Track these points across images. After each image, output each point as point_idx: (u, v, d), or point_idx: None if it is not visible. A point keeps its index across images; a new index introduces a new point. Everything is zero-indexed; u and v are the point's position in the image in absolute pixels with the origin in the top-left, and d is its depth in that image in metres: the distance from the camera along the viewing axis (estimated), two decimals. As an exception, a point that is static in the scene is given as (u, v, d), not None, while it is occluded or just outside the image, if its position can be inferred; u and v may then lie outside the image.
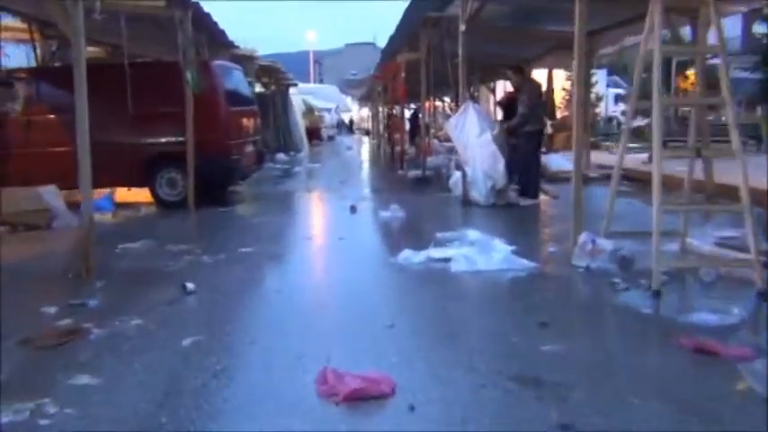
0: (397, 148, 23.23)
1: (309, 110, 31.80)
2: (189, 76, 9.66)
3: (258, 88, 21.77)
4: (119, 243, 7.32)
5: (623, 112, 35.09)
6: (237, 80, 11.40)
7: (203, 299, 5.19)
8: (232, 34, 16.24)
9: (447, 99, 40.54)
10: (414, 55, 14.25)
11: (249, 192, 12.43)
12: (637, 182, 13.07)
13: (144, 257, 6.73)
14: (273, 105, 22.50)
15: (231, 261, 6.49)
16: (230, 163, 10.37)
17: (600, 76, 37.22)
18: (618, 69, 43.69)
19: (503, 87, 32.61)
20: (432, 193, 11.76)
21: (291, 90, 25.08)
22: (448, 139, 27.96)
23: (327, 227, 8.87)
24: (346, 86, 51.74)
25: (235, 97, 10.97)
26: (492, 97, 23.35)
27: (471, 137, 9.86)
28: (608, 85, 45.04)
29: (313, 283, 5.86)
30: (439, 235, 7.37)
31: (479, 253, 6.19)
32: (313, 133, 31.70)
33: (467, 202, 10.06)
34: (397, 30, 14.70)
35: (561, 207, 9.86)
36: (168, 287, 5.48)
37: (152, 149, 10.29)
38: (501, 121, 10.85)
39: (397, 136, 24.55)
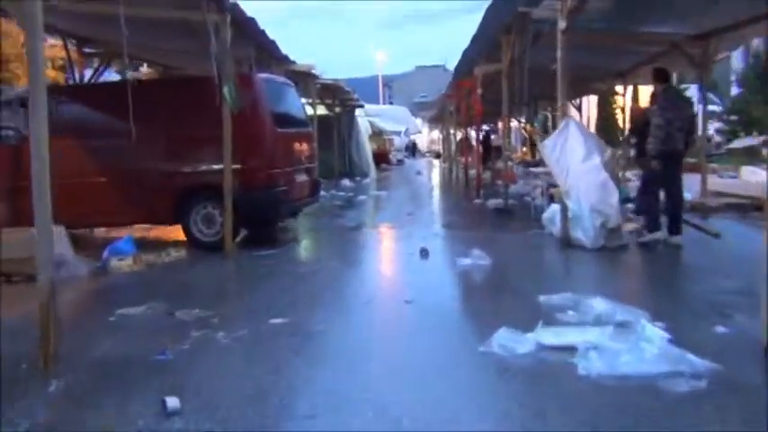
0: (472, 173, 21.19)
1: (377, 132, 30.04)
2: (226, 91, 7.88)
3: (321, 110, 20.11)
4: (119, 306, 5.51)
5: (717, 131, 31.94)
6: (288, 97, 9.59)
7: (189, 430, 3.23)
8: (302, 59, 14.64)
9: (521, 119, 38.29)
10: (493, 66, 12.19)
11: (303, 227, 10.57)
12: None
13: (138, 334, 4.86)
14: (338, 128, 20.78)
15: (253, 342, 4.55)
16: (276, 195, 8.51)
17: (692, 92, 34.10)
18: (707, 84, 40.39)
19: (588, 104, 30.20)
20: (519, 230, 9.59)
21: (357, 112, 23.35)
22: (532, 164, 25.80)
23: (391, 281, 6.82)
24: (416, 109, 49.96)
25: (284, 117, 9.16)
26: (578, 115, 20.95)
27: (574, 161, 7.69)
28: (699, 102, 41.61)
29: (366, 397, 3.73)
30: (543, 299, 5.28)
31: (617, 340, 4.04)
32: (381, 157, 29.93)
33: (567, 243, 7.88)
34: (473, 40, 12.66)
35: (712, 249, 7.59)
36: (145, 397, 3.57)
37: (185, 180, 8.55)
38: (628, 140, 8.50)
39: (471, 159, 22.47)
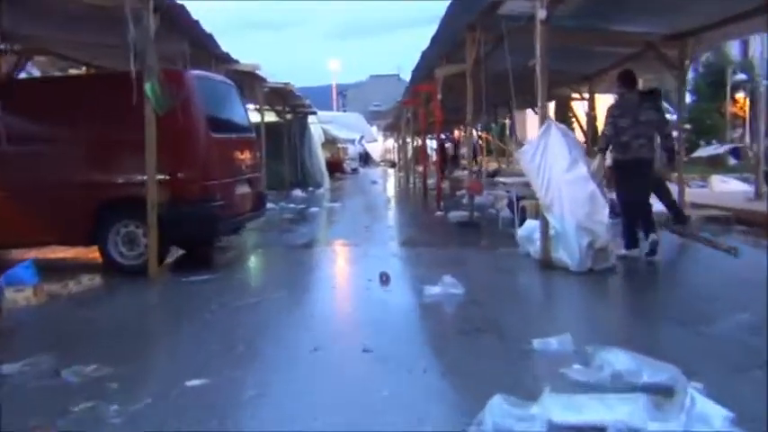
0: (430, 182, 20.10)
1: (330, 140, 28.82)
2: (148, 89, 6.58)
3: (270, 116, 18.81)
4: (-7, 360, 4.16)
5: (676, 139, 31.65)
6: (227, 99, 8.31)
7: None
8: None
9: (477, 127, 37.49)
10: (456, 67, 11.12)
11: (246, 245, 9.26)
12: (751, 226, 9.75)
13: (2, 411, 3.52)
14: (289, 136, 19.49)
15: (156, 420, 3.27)
16: (211, 210, 7.21)
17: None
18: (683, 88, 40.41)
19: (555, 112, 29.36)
20: (489, 249, 8.48)
21: (310, 119, 22.07)
22: (491, 174, 24.90)
23: (346, 319, 5.53)
24: (370, 117, 48.89)
25: (222, 121, 7.89)
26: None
27: (557, 171, 6.61)
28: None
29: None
30: (538, 344, 4.19)
31: (660, 418, 2.91)
32: (335, 166, 28.71)
33: (548, 265, 6.80)
34: (433, 40, 11.58)
35: (721, 270, 6.57)
36: None
37: (102, 192, 7.20)
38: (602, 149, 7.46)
39: (429, 169, 21.42)
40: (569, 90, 15.89)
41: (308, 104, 20.34)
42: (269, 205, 14.63)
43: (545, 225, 6.81)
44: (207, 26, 9.78)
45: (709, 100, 30.19)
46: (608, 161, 7.92)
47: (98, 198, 7.18)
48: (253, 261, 8.20)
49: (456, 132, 35.28)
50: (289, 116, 20.19)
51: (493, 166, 30.92)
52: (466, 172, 29.24)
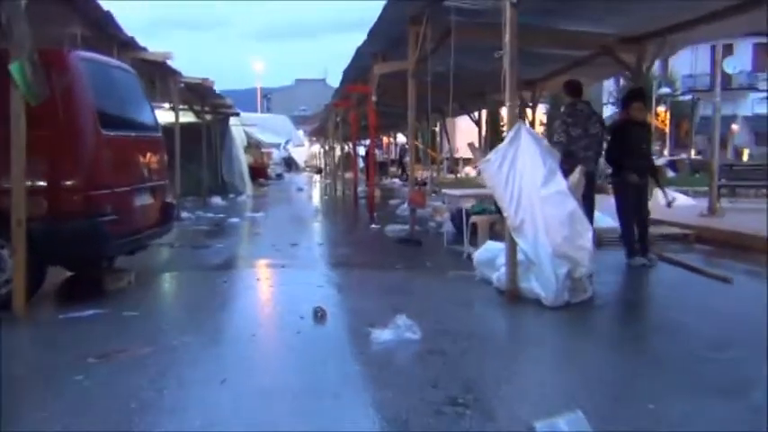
0: (362, 190, 18.81)
1: (254, 144, 27.14)
2: (15, 71, 5.02)
3: (188, 117, 17.07)
4: None
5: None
6: (124, 89, 6.74)
7: None
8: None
9: (401, 136, 36.50)
10: (397, 65, 9.88)
11: (151, 265, 7.67)
12: (712, 245, 8.98)
13: None
14: (208, 138, 17.79)
15: None
16: (98, 227, 5.65)
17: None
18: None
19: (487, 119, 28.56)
20: (439, 272, 7.25)
21: (232, 120, 20.39)
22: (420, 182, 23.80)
23: (268, 387, 4.11)
24: (296, 122, 47.24)
25: (117, 116, 6.34)
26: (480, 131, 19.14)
27: (529, 185, 5.43)
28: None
29: None
30: (543, 429, 2.92)
31: None
32: (258, 172, 27.05)
33: (515, 296, 5.62)
34: (370, 34, 10.29)
35: (716, 304, 5.49)
36: None
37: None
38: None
39: (364, 176, 20.15)
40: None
41: (230, 104, 18.68)
42: (183, 214, 13.04)
43: (512, 249, 5.62)
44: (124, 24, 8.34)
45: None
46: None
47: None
48: (154, 289, 6.63)
49: (384, 139, 34.22)
50: (208, 117, 18.47)
51: (423, 174, 30.03)
52: (395, 180, 28.36)
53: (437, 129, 27.48)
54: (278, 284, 6.83)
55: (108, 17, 7.60)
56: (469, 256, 7.94)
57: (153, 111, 7.26)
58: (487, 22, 9.04)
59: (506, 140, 5.57)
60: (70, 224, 5.58)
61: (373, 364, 4.15)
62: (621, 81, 31.76)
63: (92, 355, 4.27)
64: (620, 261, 7.49)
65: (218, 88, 16.99)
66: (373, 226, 11.55)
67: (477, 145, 11.03)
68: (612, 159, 7.51)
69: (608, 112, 35.14)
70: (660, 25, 8.79)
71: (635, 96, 7.58)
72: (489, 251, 6.34)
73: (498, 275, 5.96)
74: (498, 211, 9.15)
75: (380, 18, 9.40)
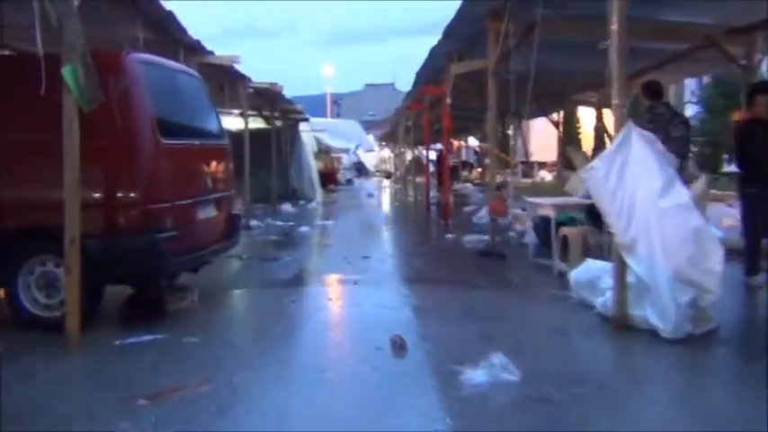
0: (434, 196, 18.08)
1: (324, 150, 26.81)
2: (68, 74, 4.57)
3: (257, 123, 16.77)
4: None
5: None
6: (188, 95, 6.27)
7: None
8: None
9: (473, 139, 35.45)
10: (476, 64, 9.13)
11: (216, 280, 7.17)
12: None
13: None
14: (278, 144, 17.44)
15: None
16: (157, 244, 5.16)
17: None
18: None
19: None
20: (529, 292, 6.50)
21: (302, 126, 20.04)
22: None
23: None
24: (365, 127, 46.96)
25: (179, 124, 5.87)
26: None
27: (644, 196, 4.60)
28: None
29: None
30: None
31: None
32: (328, 177, 26.68)
33: (624, 325, 4.80)
34: (445, 33, 9.56)
35: None
36: None
37: (7, 217, 5.16)
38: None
39: (435, 182, 19.45)
40: (583, 96, 13.81)
41: (300, 110, 18.32)
42: (252, 223, 12.65)
43: (621, 271, 4.80)
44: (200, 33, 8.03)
45: (720, 112, 28.39)
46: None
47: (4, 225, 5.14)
48: (217, 310, 6.08)
49: (455, 142, 33.33)
50: (278, 123, 18.14)
51: (496, 179, 29.00)
52: (467, 185, 27.46)
53: (510, 131, 26.40)
54: (350, 305, 6.19)
55: (171, 18, 7.15)
56: (561, 274, 7.16)
57: (218, 117, 6.77)
58: (576, 14, 8.26)
59: (613, 145, 4.76)
60: (127, 241, 5.12)
61: (467, 414, 3.44)
62: (704, 79, 29.91)
63: (143, 393, 3.73)
64: (734, 279, 6.52)
65: (287, 94, 16.69)
66: (449, 235, 10.83)
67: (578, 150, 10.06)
68: (737, 165, 6.54)
69: (690, 111, 33.23)
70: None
71: (760, 90, 6.55)
72: (589, 271, 5.53)
73: (603, 301, 5.15)
74: (591, 221, 8.35)
75: (457, 14, 8.69)
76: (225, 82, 11.33)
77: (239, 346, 4.84)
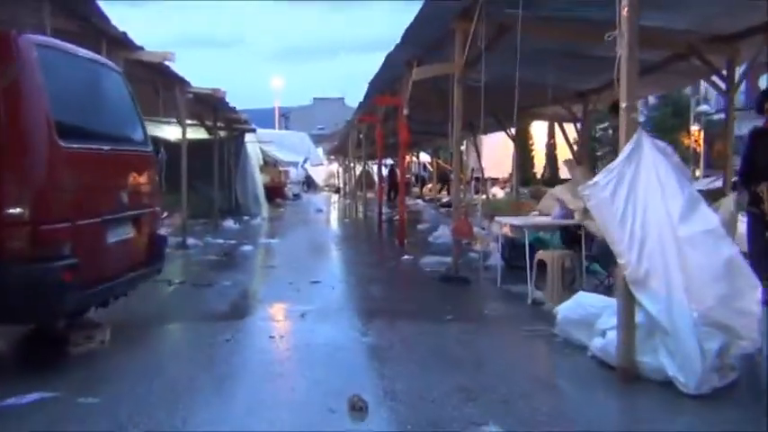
0: (385, 212, 17.18)
1: (270, 163, 25.62)
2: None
3: (199, 133, 15.55)
4: None
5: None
6: (102, 89, 5.14)
7: None
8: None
9: (424, 154, 34.68)
10: (441, 68, 8.24)
11: (137, 311, 6.00)
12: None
13: None
14: (220, 156, 16.23)
15: None
16: (50, 274, 4.03)
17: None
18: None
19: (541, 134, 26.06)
20: (504, 326, 5.60)
21: (248, 137, 18.85)
22: (446, 204, 22.03)
23: None
24: (314, 141, 45.81)
25: (87, 124, 4.75)
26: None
27: (660, 219, 3.73)
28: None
29: None
30: None
31: None
32: (275, 191, 25.46)
33: (630, 374, 3.92)
34: (406, 34, 8.63)
35: None
36: None
37: None
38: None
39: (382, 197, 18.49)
40: (553, 109, 13.06)
41: (245, 119, 17.14)
42: (190, 241, 11.42)
43: (628, 309, 3.91)
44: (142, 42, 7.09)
45: (669, 131, 28.39)
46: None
47: None
48: (132, 354, 4.89)
49: (407, 158, 32.51)
50: (222, 133, 16.94)
51: (445, 195, 28.28)
52: (419, 201, 26.63)
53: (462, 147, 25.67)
54: (296, 346, 5.12)
55: (89, 2, 6.00)
56: (535, 302, 6.29)
57: (141, 119, 5.63)
58: (555, 16, 7.48)
59: (622, 155, 3.87)
60: (11, 271, 3.97)
61: None
62: (650, 99, 29.90)
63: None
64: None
65: (236, 107, 15.60)
66: (405, 257, 9.87)
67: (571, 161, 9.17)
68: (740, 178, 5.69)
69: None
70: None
71: None
72: (582, 307, 4.63)
73: (602, 344, 4.25)
74: (565, 241, 7.53)
75: (419, 16, 7.81)
76: (159, 84, 10.14)
77: (152, 408, 3.73)
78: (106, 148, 4.85)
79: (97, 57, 5.20)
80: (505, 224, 7.22)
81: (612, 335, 4.12)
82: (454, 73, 7.96)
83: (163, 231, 5.88)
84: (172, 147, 12.98)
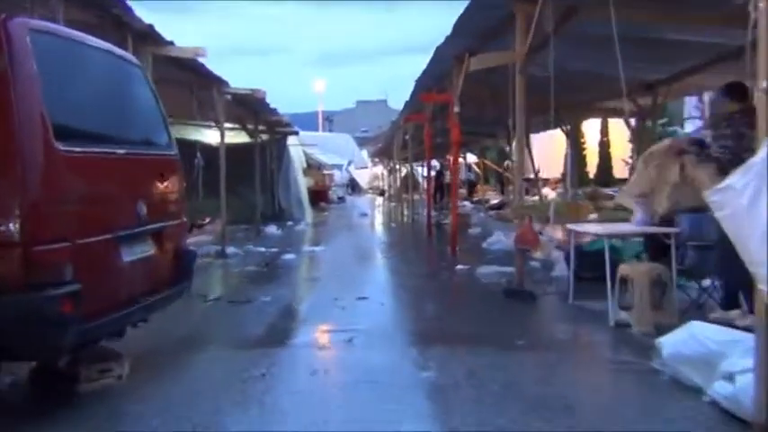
0: (442, 221, 16.29)
1: (315, 166, 24.99)
2: None
3: (240, 137, 14.97)
4: None
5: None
6: (111, 83, 4.41)
7: None
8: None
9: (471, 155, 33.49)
10: (500, 57, 7.34)
11: (161, 336, 5.27)
12: None
13: None
14: (263, 160, 15.61)
15: None
16: (42, 306, 3.31)
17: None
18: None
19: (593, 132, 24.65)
20: (587, 356, 4.69)
21: (291, 140, 18.22)
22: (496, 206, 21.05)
23: None
24: (358, 143, 45.23)
25: (94, 124, 4.03)
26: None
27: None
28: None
29: None
30: None
31: None
32: (319, 195, 24.87)
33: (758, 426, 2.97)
34: (459, 22, 7.74)
35: None
36: None
37: None
38: None
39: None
40: (619, 103, 11.93)
41: (287, 122, 16.49)
42: (230, 249, 10.77)
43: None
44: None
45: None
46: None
47: None
48: (148, 393, 4.15)
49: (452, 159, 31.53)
50: (264, 136, 16.33)
51: (493, 197, 27.18)
52: (465, 203, 25.62)
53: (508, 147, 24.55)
54: (342, 384, 4.30)
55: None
56: (618, 325, 5.35)
57: (165, 119, 4.90)
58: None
59: (763, 153, 2.94)
60: (3, 301, 3.26)
61: None
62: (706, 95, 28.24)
63: None
64: None
65: (277, 109, 15.00)
66: (459, 266, 8.99)
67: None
68: None
69: (690, 127, 31.51)
70: None
71: None
72: (698, 341, 3.68)
73: (731, 391, 3.31)
74: (648, 250, 6.56)
75: (474, 1, 6.95)
76: (195, 86, 9.50)
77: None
78: (120, 151, 4.11)
79: (111, 47, 4.48)
80: (582, 232, 6.26)
81: (745, 380, 3.19)
82: (515, 63, 7.07)
83: (191, 246, 5.13)
84: (212, 151, 12.40)
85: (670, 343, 3.86)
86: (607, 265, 5.64)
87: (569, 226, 6.44)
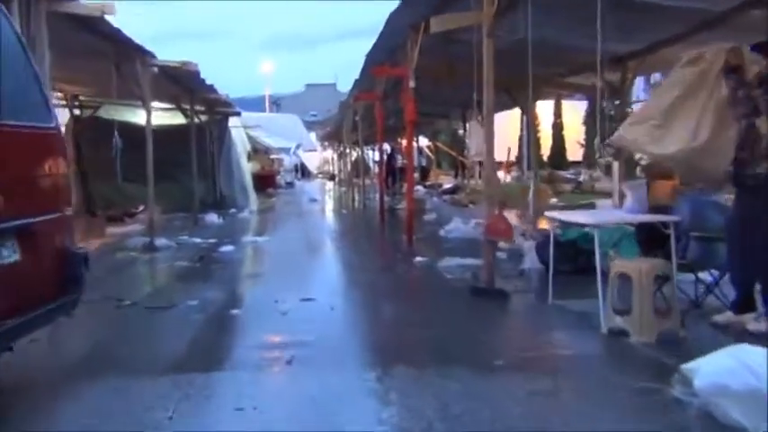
0: (396, 206, 15.33)
1: (262, 150, 23.65)
2: None
3: (176, 118, 13.64)
4: None
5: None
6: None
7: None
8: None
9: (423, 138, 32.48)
10: (465, 17, 6.28)
11: (45, 363, 4.11)
12: None
13: None
14: (201, 143, 14.26)
15: None
16: None
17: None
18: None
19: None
20: (590, 382, 3.70)
21: (232, 122, 16.87)
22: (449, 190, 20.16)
23: None
24: (307, 127, 43.84)
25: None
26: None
27: None
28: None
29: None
30: None
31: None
32: (266, 180, 23.54)
33: None
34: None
35: None
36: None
37: None
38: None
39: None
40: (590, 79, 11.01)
41: (227, 101, 15.12)
42: (161, 241, 9.52)
43: None
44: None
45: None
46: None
47: None
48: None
49: (405, 143, 30.51)
50: (203, 117, 14.97)
51: (446, 181, 26.29)
52: (418, 188, 24.66)
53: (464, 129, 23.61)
54: (277, 422, 3.23)
55: None
56: (612, 332, 4.43)
57: (39, 83, 3.70)
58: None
59: None
60: None
61: None
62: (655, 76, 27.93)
63: None
64: None
65: (225, 94, 13.75)
66: (418, 259, 7.99)
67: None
68: None
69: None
70: None
71: None
72: (750, 371, 2.74)
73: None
74: (641, 243, 5.68)
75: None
76: (113, 57, 8.18)
77: None
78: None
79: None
80: (567, 222, 5.30)
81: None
82: (481, 25, 6.05)
83: (76, 247, 3.93)
84: (140, 131, 11.08)
85: (709, 372, 2.91)
86: (597, 260, 4.70)
87: (548, 214, 5.48)
